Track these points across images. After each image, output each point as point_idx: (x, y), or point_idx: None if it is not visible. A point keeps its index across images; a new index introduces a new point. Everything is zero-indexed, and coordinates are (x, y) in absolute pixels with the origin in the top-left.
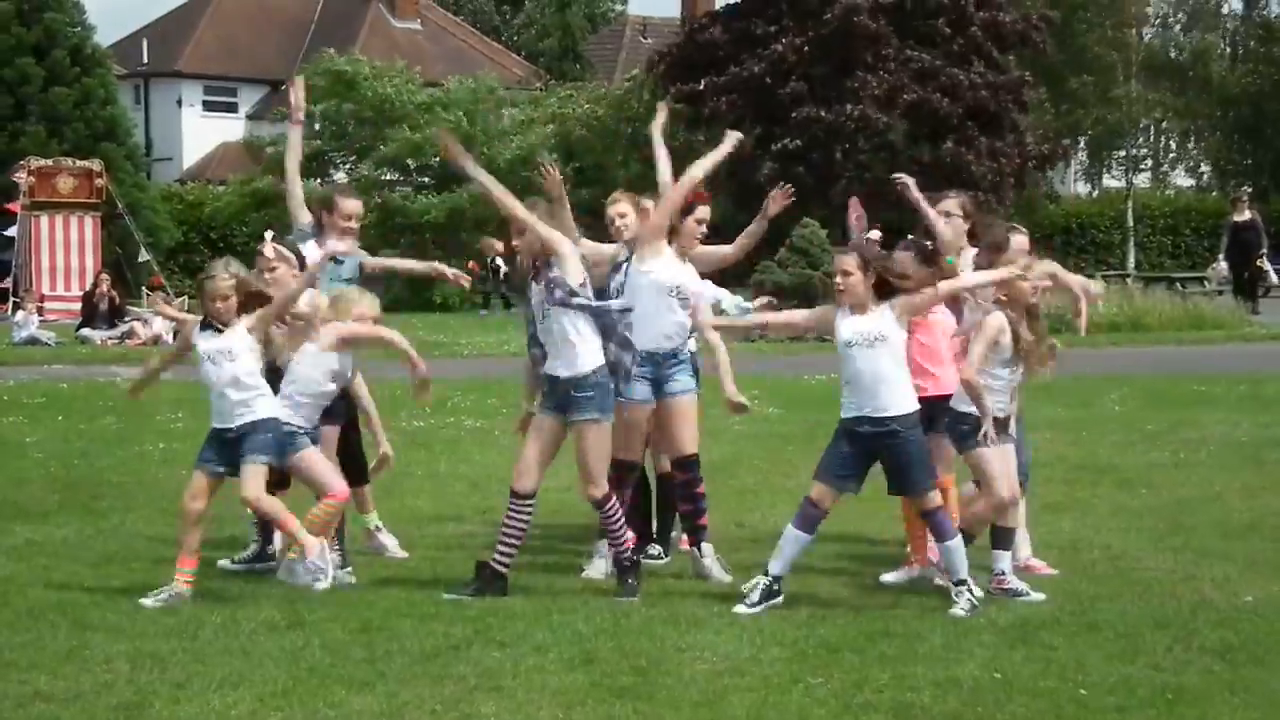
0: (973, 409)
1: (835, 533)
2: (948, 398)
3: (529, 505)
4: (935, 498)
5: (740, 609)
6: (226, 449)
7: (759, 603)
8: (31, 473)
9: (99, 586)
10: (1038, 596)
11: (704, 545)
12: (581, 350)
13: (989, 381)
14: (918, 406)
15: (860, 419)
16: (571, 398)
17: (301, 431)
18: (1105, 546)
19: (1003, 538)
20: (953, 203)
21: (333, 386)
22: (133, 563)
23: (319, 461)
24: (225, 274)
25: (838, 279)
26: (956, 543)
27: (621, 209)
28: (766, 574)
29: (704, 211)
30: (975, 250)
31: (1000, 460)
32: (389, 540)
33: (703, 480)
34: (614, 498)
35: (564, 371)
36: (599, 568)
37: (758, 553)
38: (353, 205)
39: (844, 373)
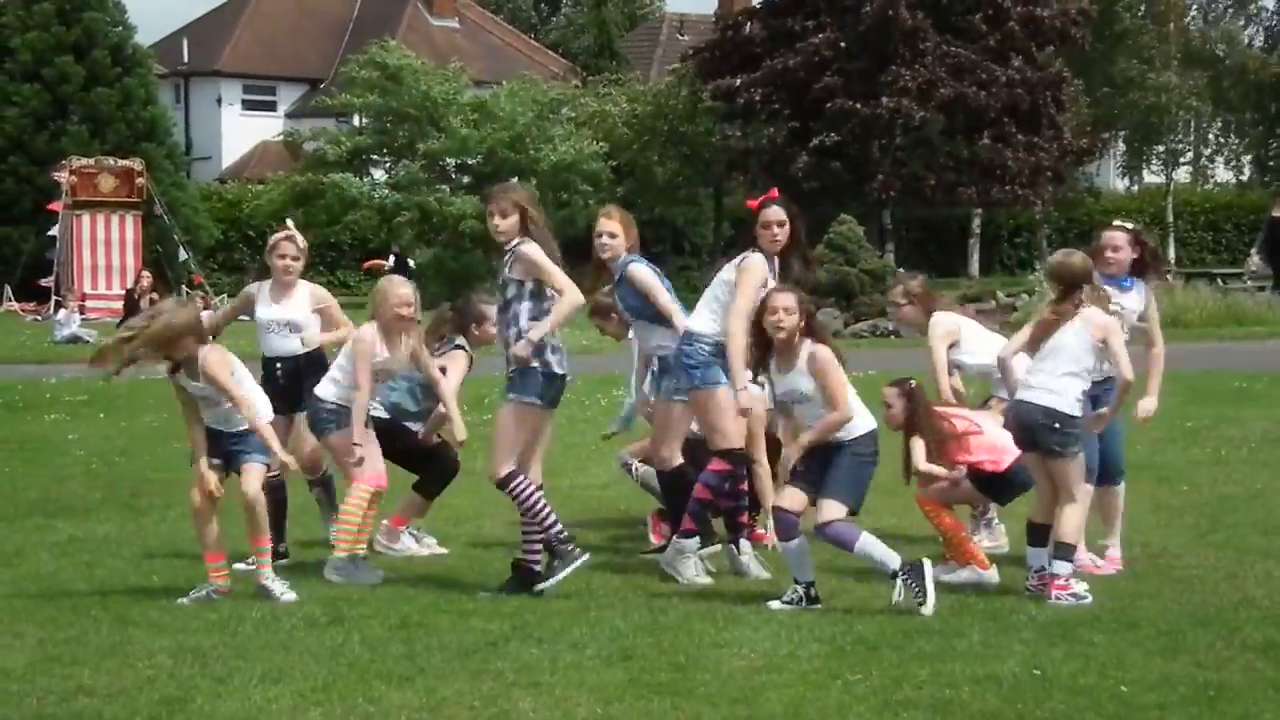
0: (1078, 412)
1: (870, 528)
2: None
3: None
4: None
5: (774, 605)
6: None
7: (791, 604)
8: (73, 470)
9: (140, 583)
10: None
11: (742, 542)
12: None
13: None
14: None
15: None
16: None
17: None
18: (1145, 544)
19: (1060, 550)
20: (897, 293)
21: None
22: (174, 559)
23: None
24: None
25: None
26: (800, 545)
27: (611, 228)
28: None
29: (774, 212)
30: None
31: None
32: (409, 541)
33: (746, 476)
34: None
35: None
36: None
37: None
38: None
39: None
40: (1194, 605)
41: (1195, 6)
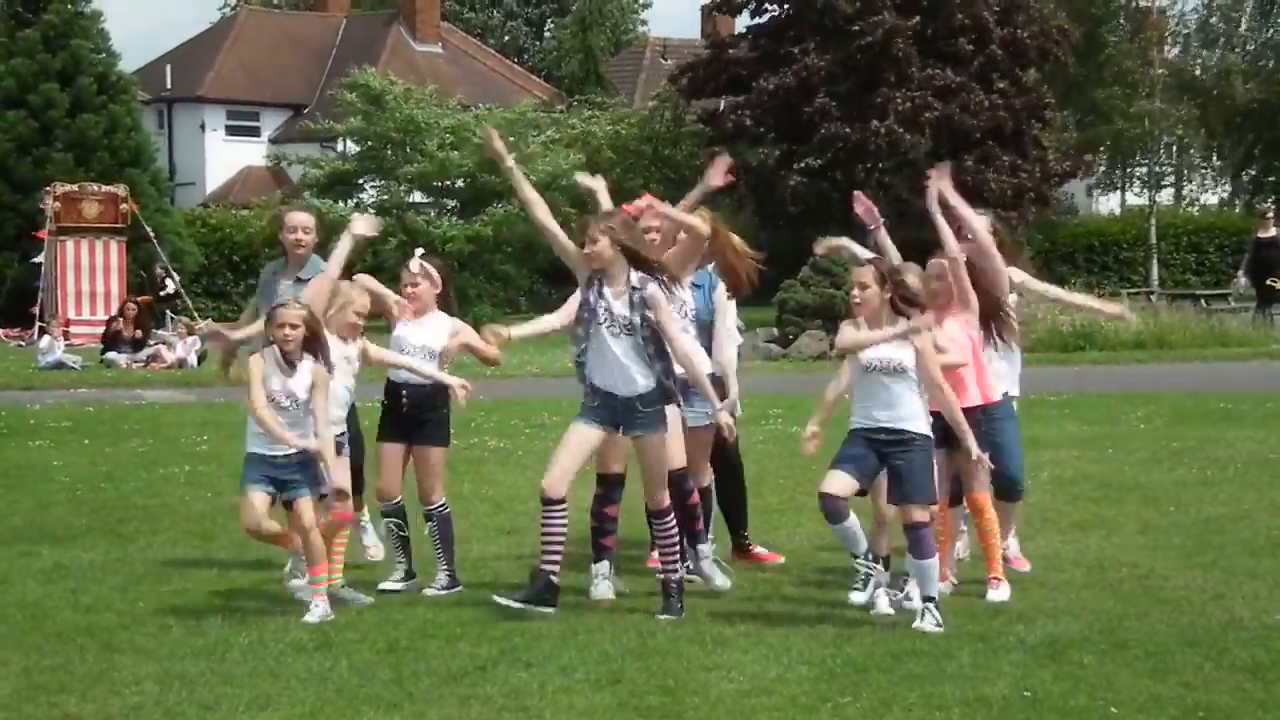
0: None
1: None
2: (972, 409)
3: (561, 510)
4: (925, 513)
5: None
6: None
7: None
8: (58, 496)
9: (127, 609)
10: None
11: (701, 547)
12: (638, 370)
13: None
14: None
15: (878, 429)
16: (636, 414)
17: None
18: (1133, 564)
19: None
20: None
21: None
22: (160, 585)
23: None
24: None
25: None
26: (933, 563)
27: (594, 234)
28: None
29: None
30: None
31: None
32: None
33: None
34: (672, 511)
35: (624, 390)
36: (603, 589)
37: (779, 571)
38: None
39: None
40: (1182, 626)
41: (1175, 36)
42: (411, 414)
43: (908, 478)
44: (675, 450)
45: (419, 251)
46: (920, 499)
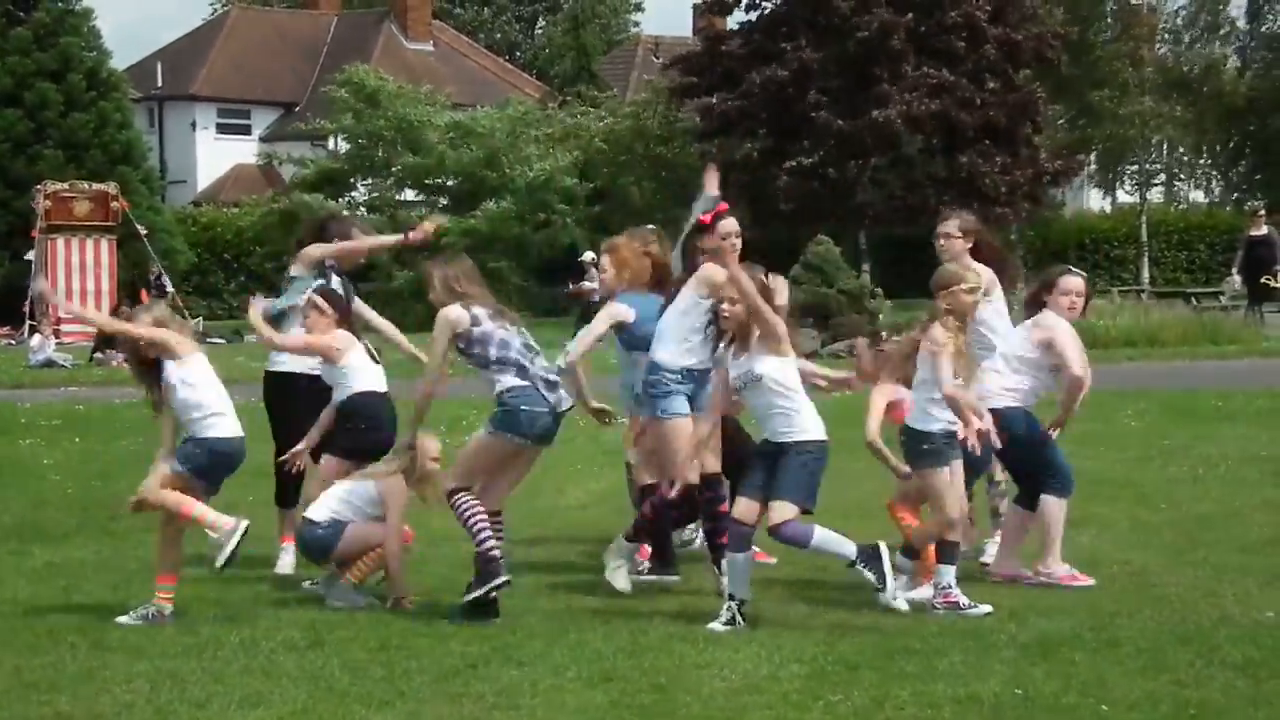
0: (930, 428)
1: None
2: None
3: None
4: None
5: (713, 626)
6: None
7: (728, 624)
8: (50, 495)
9: (118, 607)
10: (982, 609)
11: (724, 564)
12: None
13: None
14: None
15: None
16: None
17: None
18: (1125, 562)
19: (948, 552)
20: (952, 224)
21: None
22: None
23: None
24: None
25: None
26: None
27: (603, 263)
28: (732, 598)
29: (729, 224)
30: (991, 274)
31: (952, 478)
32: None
33: (725, 498)
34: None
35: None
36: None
37: (771, 570)
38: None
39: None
40: (1174, 623)
41: (1165, 32)
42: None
43: (780, 478)
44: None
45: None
46: (789, 498)
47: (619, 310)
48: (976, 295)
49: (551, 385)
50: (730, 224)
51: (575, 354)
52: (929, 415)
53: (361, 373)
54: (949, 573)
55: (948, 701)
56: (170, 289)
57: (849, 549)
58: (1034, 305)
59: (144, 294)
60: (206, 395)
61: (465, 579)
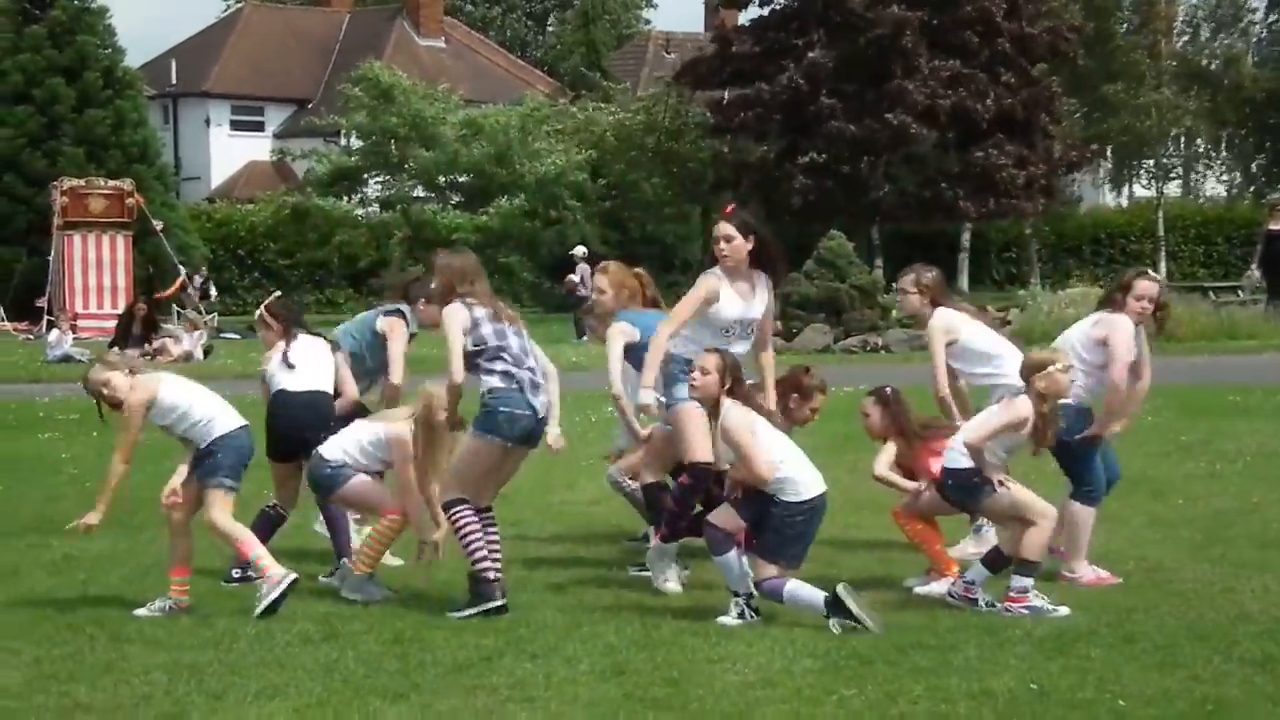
0: (962, 464)
1: (866, 540)
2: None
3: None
4: None
5: (722, 620)
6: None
7: (739, 618)
8: (67, 488)
9: (136, 599)
10: (1062, 610)
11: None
12: None
13: (988, 457)
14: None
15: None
16: None
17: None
18: (1141, 558)
19: (1026, 564)
20: (908, 280)
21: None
22: (168, 576)
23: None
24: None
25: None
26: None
27: (601, 284)
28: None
29: (719, 227)
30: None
31: (1021, 489)
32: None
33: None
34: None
35: None
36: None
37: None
38: None
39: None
40: (1191, 619)
41: (1182, 21)
42: None
43: (768, 538)
44: (703, 441)
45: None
46: (772, 560)
47: (625, 329)
48: (1071, 374)
49: (536, 389)
50: (719, 227)
51: (615, 386)
52: (960, 455)
53: (278, 375)
54: (1028, 582)
55: (962, 696)
56: (214, 294)
57: (820, 603)
58: (1109, 306)
59: (182, 284)
60: (194, 406)
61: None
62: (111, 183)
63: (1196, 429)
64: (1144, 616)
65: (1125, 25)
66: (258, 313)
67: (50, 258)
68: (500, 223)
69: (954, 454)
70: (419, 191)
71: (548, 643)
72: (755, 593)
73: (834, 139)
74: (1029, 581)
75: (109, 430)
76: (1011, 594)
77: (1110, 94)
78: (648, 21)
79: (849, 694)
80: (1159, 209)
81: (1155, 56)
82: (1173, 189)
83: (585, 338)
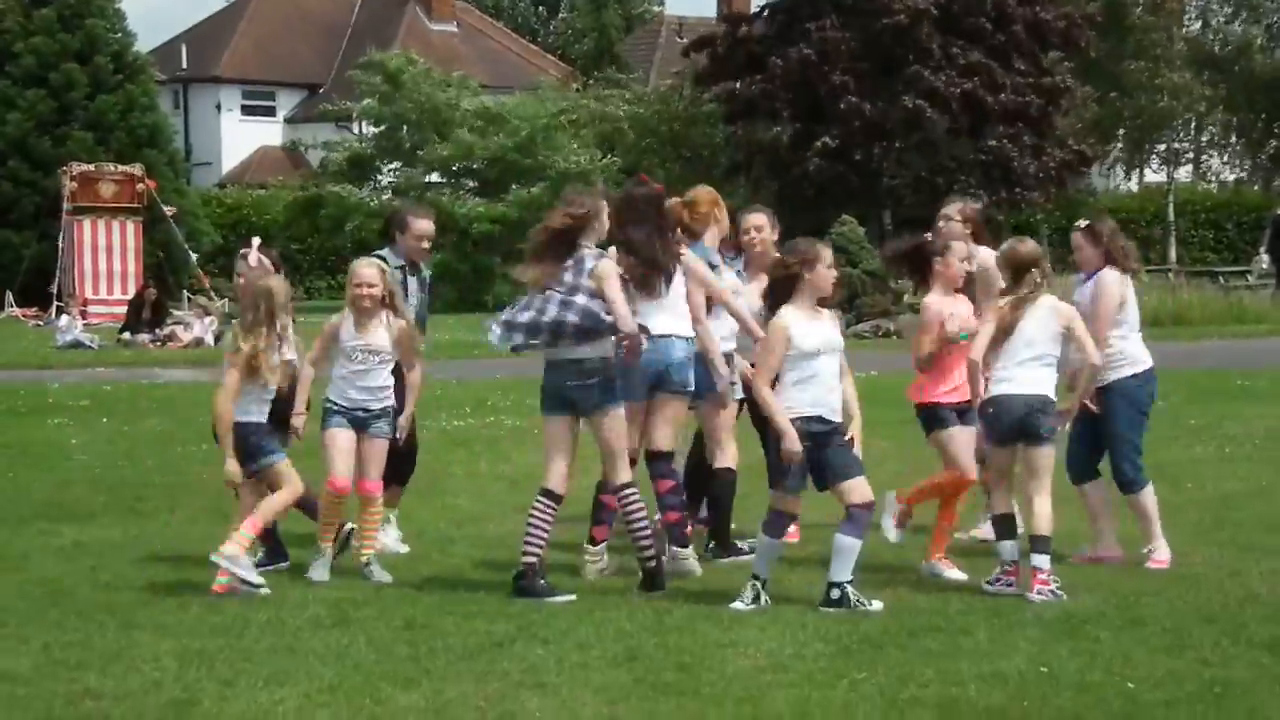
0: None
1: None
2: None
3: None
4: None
5: (736, 605)
6: None
7: (752, 603)
8: (77, 475)
9: (145, 586)
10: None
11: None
12: None
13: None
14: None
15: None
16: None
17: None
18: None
19: (1040, 543)
20: (954, 207)
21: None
22: (178, 562)
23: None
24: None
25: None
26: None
27: (758, 221)
28: (755, 578)
29: (753, 218)
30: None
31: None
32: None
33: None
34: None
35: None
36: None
37: (795, 548)
38: (424, 226)
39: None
40: (1199, 602)
41: (1193, 7)
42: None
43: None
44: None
45: (255, 241)
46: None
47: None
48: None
49: None
50: (750, 218)
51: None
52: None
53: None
54: (1046, 559)
55: (972, 679)
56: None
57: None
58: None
59: (204, 277)
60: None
61: (490, 558)
62: (122, 168)
63: (1205, 413)
64: (1153, 599)
65: (1139, 6)
66: (253, 256)
67: (60, 242)
68: (518, 212)
69: (1042, 384)
70: (433, 178)
71: (559, 628)
72: (769, 578)
73: (847, 118)
74: (1046, 559)
75: (118, 416)
76: (1039, 576)
77: (1128, 72)
78: (660, 3)
79: (860, 677)
80: (1169, 194)
81: (1171, 39)
82: (1182, 174)
83: None
